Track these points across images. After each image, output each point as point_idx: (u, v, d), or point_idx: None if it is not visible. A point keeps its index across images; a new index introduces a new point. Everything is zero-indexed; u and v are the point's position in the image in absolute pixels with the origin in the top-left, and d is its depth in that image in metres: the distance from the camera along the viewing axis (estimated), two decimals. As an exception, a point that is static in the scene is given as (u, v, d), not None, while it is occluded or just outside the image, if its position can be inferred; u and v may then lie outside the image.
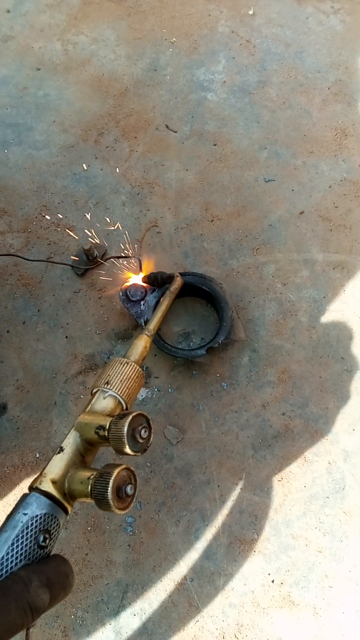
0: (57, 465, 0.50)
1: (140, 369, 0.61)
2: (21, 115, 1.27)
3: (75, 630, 0.83)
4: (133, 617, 0.85)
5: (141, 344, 0.70)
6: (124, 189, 1.17)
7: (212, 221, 1.13)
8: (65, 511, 0.47)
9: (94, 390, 0.58)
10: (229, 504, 0.91)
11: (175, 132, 1.24)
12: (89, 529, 0.90)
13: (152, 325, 0.79)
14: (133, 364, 0.61)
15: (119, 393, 0.56)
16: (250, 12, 1.41)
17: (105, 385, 0.57)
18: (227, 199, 1.15)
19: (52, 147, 1.22)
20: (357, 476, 0.92)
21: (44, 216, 1.14)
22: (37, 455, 0.95)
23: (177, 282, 0.93)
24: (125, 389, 0.58)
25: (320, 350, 1.02)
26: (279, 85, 1.30)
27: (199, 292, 1.03)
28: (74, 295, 1.06)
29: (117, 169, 1.19)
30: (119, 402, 0.57)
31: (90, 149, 1.22)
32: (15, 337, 1.02)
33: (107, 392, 0.57)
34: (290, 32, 1.38)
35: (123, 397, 0.57)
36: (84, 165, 1.20)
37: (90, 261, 1.07)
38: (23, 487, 0.93)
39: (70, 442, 0.52)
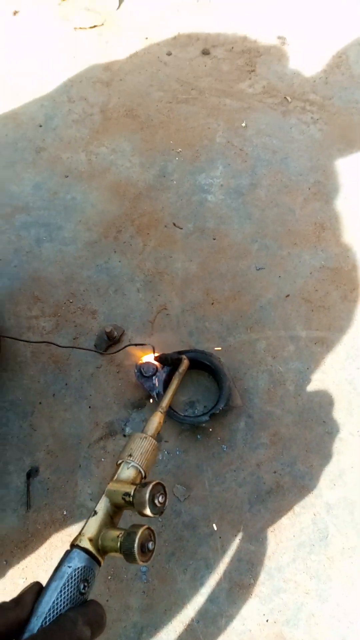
0: (92, 526, 0.64)
1: (155, 443, 0.77)
2: (52, 216, 1.51)
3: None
4: (147, 653, 0.98)
5: (156, 420, 0.87)
6: (139, 278, 1.39)
7: (212, 304, 1.34)
8: (99, 563, 0.61)
9: (119, 462, 0.74)
10: (229, 553, 1.06)
11: (181, 228, 1.47)
12: (109, 577, 1.05)
13: (165, 403, 0.96)
14: (150, 438, 0.77)
15: (139, 464, 0.72)
16: (243, 125, 1.68)
17: (129, 458, 0.74)
18: (225, 285, 1.37)
19: (78, 243, 1.46)
20: (339, 526, 1.07)
21: (71, 302, 1.36)
22: (65, 513, 1.11)
23: (184, 365, 1.12)
24: (144, 460, 0.73)
25: (305, 415, 1.19)
26: (267, 187, 1.54)
27: (201, 366, 1.22)
28: (96, 370, 1.26)
29: (133, 261, 1.42)
30: (140, 471, 0.72)
31: (110, 245, 1.45)
32: (46, 407, 1.21)
33: (130, 463, 0.72)
34: (277, 140, 1.64)
35: (143, 467, 0.73)
36: (106, 258, 1.43)
37: (110, 340, 1.28)
38: (52, 542, 1.09)
39: (102, 506, 0.67)
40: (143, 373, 1.18)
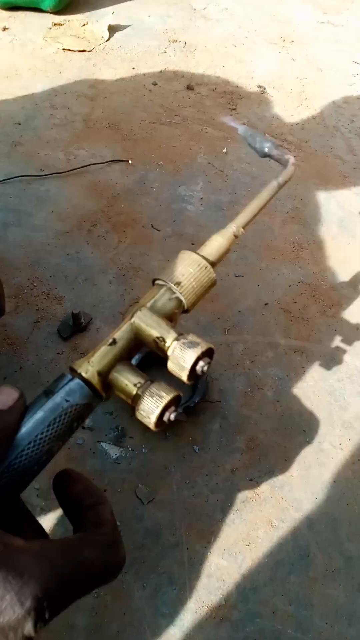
0: (106, 357, 0.46)
1: (214, 277, 0.54)
2: (23, 204, 1.42)
3: None
4: None
5: (225, 243, 0.55)
6: (111, 271, 1.30)
7: (188, 304, 1.26)
8: (101, 399, 0.46)
9: (160, 282, 0.51)
10: (197, 567, 0.90)
11: (159, 231, 1.42)
12: (50, 589, 0.85)
13: (242, 221, 0.57)
14: (212, 271, 0.53)
15: (186, 299, 0.50)
16: (224, 151, 1.71)
17: (176, 286, 0.50)
18: (202, 288, 1.30)
19: (48, 231, 1.36)
20: (321, 544, 0.95)
21: (35, 286, 1.23)
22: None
23: (291, 169, 0.60)
24: (194, 296, 0.51)
25: (284, 422, 1.10)
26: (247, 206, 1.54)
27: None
28: (56, 356, 1.12)
29: (106, 254, 1.33)
30: (182, 306, 0.51)
31: (83, 237, 1.37)
32: (-5, 390, 1.04)
33: (175, 293, 0.50)
34: (256, 168, 1.67)
35: (189, 303, 0.51)
36: (77, 248, 1.33)
37: (76, 326, 1.15)
38: None
39: (125, 337, 0.48)
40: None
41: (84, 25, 2.07)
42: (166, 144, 1.71)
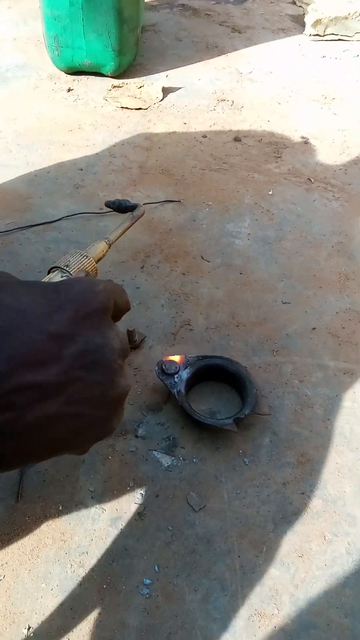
0: None
1: (96, 266, 0.79)
2: (82, 236, 1.54)
3: None
4: None
5: (100, 246, 0.93)
6: (163, 296, 1.38)
7: (237, 326, 1.31)
8: None
9: (53, 268, 0.73)
10: (249, 575, 0.89)
11: (209, 261, 1.50)
12: (104, 586, 0.86)
13: (113, 235, 1.02)
14: (92, 259, 0.79)
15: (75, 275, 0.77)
16: (270, 193, 1.81)
17: (65, 267, 0.73)
18: (251, 312, 1.35)
19: (105, 261, 1.46)
20: (377, 560, 0.93)
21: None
22: (60, 508, 0.95)
23: (140, 211, 1.14)
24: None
25: (335, 439, 1.10)
26: (293, 240, 1.61)
27: (224, 374, 1.15)
28: (113, 369, 1.18)
29: (159, 282, 1.41)
30: None
31: (138, 266, 1.46)
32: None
33: (65, 273, 0.72)
34: (301, 208, 1.75)
35: None
36: (132, 276, 1.42)
37: (130, 343, 1.21)
38: (41, 538, 0.91)
39: None
40: (165, 370, 1.11)
41: (140, 87, 2.29)
42: (215, 187, 1.82)
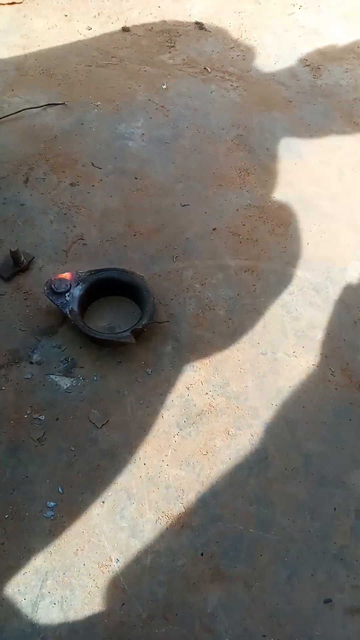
0: None
1: None
2: None
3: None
4: (53, 606, 0.77)
5: None
6: (52, 211, 1.26)
7: (134, 236, 1.23)
8: None
9: None
10: (155, 480, 0.89)
11: (100, 168, 1.38)
12: (6, 516, 0.84)
13: None
14: None
15: None
16: (164, 87, 1.66)
17: None
18: (148, 219, 1.27)
19: (-17, 178, 1.31)
20: (278, 446, 0.95)
21: (-27, 231, 1.19)
22: None
23: None
24: None
25: (237, 337, 1.08)
26: (190, 137, 1.50)
27: (120, 286, 1.08)
28: (-1, 296, 1.09)
29: (46, 196, 1.29)
30: None
31: (20, 180, 1.32)
32: None
33: None
34: (198, 101, 1.62)
35: None
36: (15, 192, 1.29)
37: (16, 266, 1.11)
38: None
39: None
40: (54, 289, 1.03)
41: (9, -27, 1.98)
42: (104, 85, 1.65)
